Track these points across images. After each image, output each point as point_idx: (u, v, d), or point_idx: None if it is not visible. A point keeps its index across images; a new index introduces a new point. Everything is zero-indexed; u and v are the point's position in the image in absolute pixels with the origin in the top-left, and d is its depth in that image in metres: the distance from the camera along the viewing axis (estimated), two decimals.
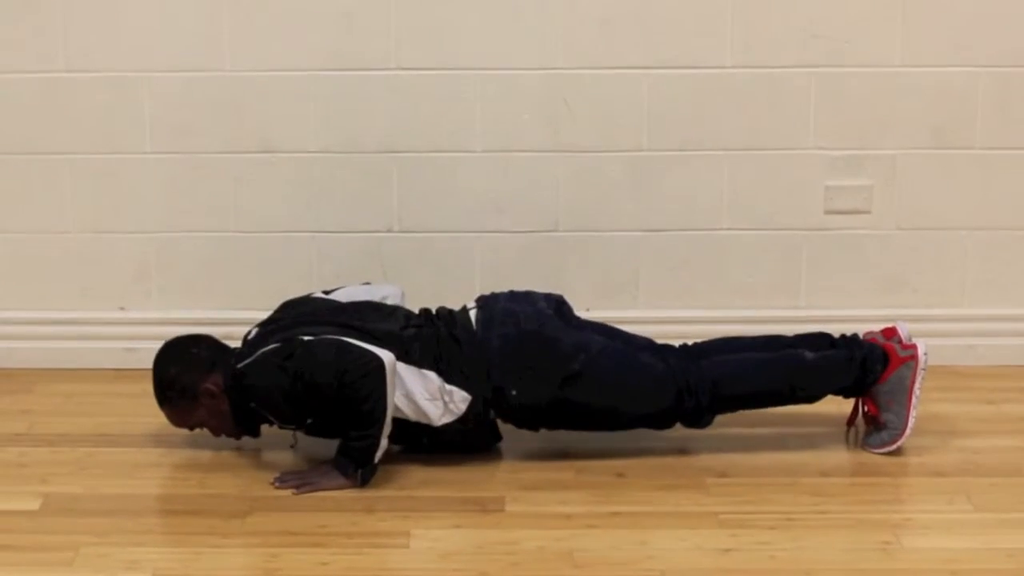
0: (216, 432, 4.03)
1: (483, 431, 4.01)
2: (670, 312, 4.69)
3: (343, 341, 3.82)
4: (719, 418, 4.06)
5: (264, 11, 4.54)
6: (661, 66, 4.57)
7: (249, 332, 4.08)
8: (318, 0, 4.53)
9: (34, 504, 3.77)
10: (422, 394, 3.88)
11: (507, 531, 3.63)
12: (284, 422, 3.95)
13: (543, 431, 4.06)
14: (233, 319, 4.61)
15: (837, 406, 4.18)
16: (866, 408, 4.10)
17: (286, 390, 3.83)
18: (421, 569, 3.48)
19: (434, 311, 4.11)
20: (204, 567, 3.46)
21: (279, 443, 4.08)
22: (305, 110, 4.60)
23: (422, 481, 3.90)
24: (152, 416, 4.08)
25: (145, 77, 4.59)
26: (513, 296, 4.10)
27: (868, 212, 4.68)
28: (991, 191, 4.67)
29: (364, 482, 3.83)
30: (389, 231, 4.67)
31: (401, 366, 3.86)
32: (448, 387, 3.89)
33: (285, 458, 4.01)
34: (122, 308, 4.76)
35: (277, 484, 3.86)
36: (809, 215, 4.68)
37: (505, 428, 4.05)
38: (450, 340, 3.96)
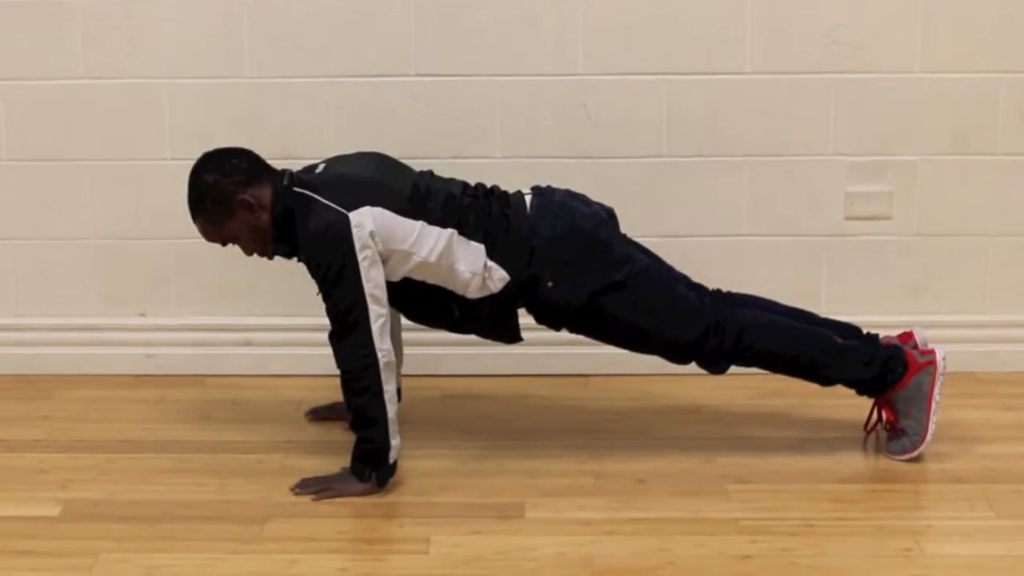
0: (248, 249, 3.98)
1: (510, 319, 3.98)
2: None
3: (366, 311, 3.76)
4: (738, 422, 4.05)
5: (284, 18, 4.55)
6: (681, 72, 4.57)
7: (316, 164, 3.99)
8: (338, 7, 4.54)
9: (54, 510, 3.78)
10: (466, 265, 3.86)
11: (527, 537, 3.62)
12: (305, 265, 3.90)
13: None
14: (253, 325, 4.63)
15: (855, 411, 4.17)
16: (884, 415, 4.08)
17: (314, 258, 3.80)
18: (440, 575, 3.48)
19: (489, 186, 4.07)
20: (223, 573, 3.47)
21: (298, 450, 4.09)
22: (325, 116, 4.61)
23: (441, 487, 3.90)
24: (172, 422, 4.09)
25: (165, 84, 4.60)
26: (571, 193, 4.07)
27: (889, 218, 4.67)
28: (1012, 197, 4.66)
29: (380, 485, 3.83)
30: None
31: (455, 235, 3.85)
32: (490, 264, 3.88)
33: (305, 464, 4.01)
34: (142, 314, 4.77)
35: (296, 490, 3.86)
36: (829, 221, 4.67)
37: (515, 435, 4.03)
38: (502, 217, 3.93)
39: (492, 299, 3.91)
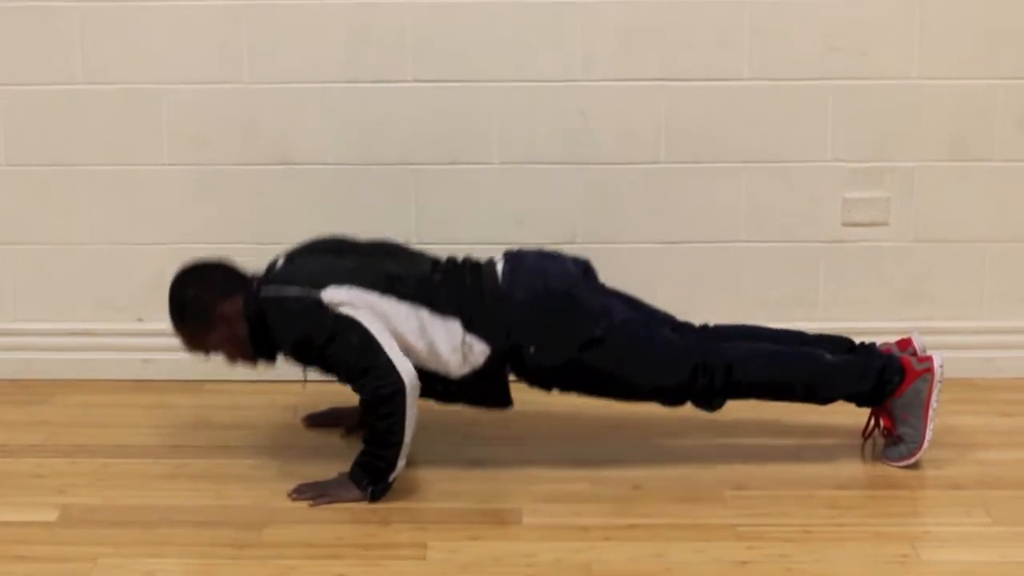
0: (232, 358, 4.00)
1: (498, 387, 3.99)
2: None
3: (376, 344, 3.77)
4: (736, 430, 4.05)
5: (282, 23, 4.55)
6: (679, 78, 4.57)
7: (276, 259, 4.01)
8: (336, 12, 4.54)
9: (51, 515, 3.78)
10: (444, 344, 3.86)
11: (524, 543, 3.62)
12: (297, 361, 3.93)
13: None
14: None
15: (853, 418, 4.17)
16: (882, 423, 4.09)
17: (302, 344, 3.82)
18: None
19: (460, 259, 4.08)
20: None
21: (295, 456, 4.09)
22: (322, 122, 4.61)
23: (439, 493, 3.90)
24: (169, 427, 4.09)
25: (163, 89, 4.60)
26: (542, 254, 4.08)
27: (886, 224, 4.68)
28: (1010, 203, 4.66)
29: (374, 498, 3.82)
30: (407, 243, 4.66)
31: (426, 314, 3.85)
32: (469, 338, 3.88)
33: (302, 469, 4.01)
34: (140, 319, 4.77)
35: (294, 496, 3.86)
36: (827, 227, 4.68)
37: (518, 439, 4.04)
38: (475, 291, 3.93)
39: (476, 373, 3.92)
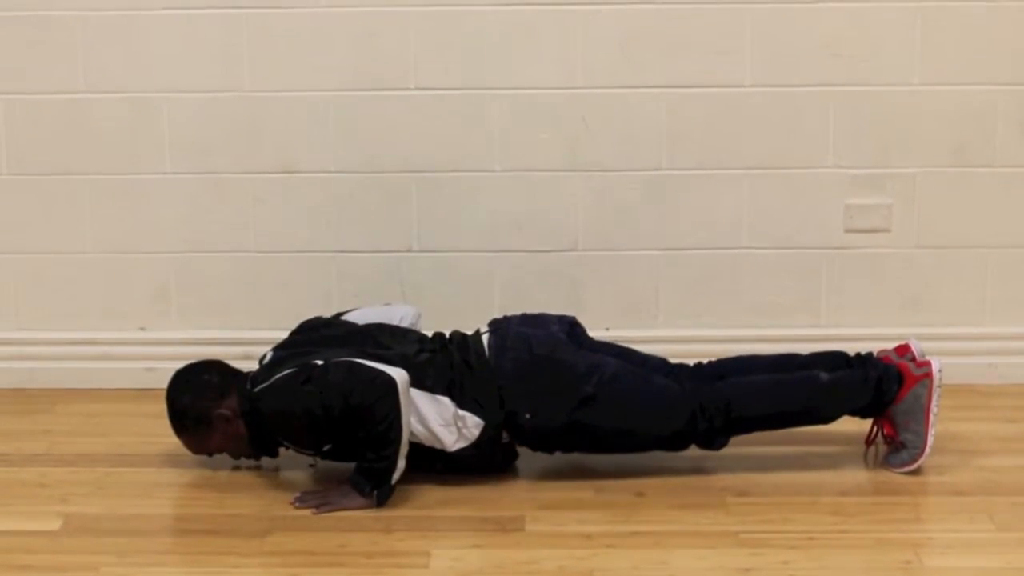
0: (235, 456, 4.06)
1: (497, 454, 4.01)
2: (690, 331, 4.68)
3: (354, 362, 3.83)
4: (739, 438, 4.05)
5: (283, 31, 4.56)
6: (680, 85, 4.58)
7: (264, 355, 4.08)
8: (337, 20, 4.55)
9: (54, 524, 3.78)
10: (436, 420, 3.88)
11: (527, 550, 3.62)
12: (300, 447, 3.95)
13: (558, 454, 4.06)
14: (253, 339, 4.63)
15: (856, 425, 4.17)
16: (884, 430, 4.09)
17: (301, 415, 3.84)
18: None
19: (447, 335, 4.11)
20: None
21: (298, 463, 4.09)
22: (325, 130, 4.61)
23: (441, 501, 3.90)
24: (171, 436, 4.08)
25: (165, 97, 4.61)
26: (525, 319, 4.10)
27: (888, 231, 4.68)
28: (1011, 209, 4.66)
29: (380, 503, 3.83)
30: (409, 251, 4.68)
31: (415, 392, 3.87)
32: (461, 413, 3.89)
33: (304, 477, 4.01)
34: (142, 328, 4.77)
35: (296, 504, 3.86)
36: (829, 234, 4.68)
37: (521, 449, 4.04)
38: (463, 366, 3.96)
39: (473, 445, 3.93)
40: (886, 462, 4.07)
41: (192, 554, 3.64)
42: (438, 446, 3.91)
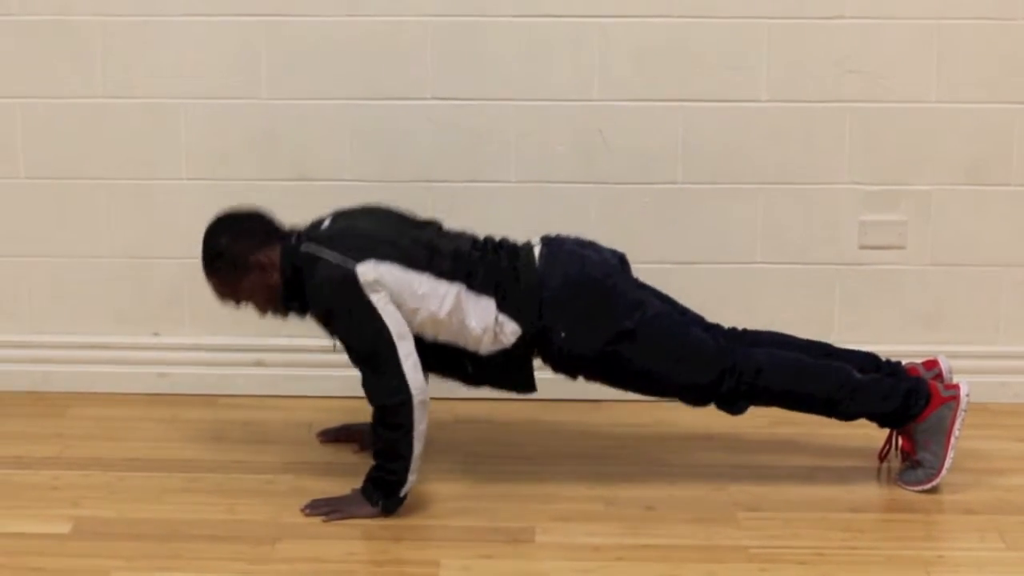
0: (262, 308, 3.99)
1: (524, 370, 3.98)
2: None
3: (392, 348, 3.75)
4: (750, 449, 4.05)
5: (300, 40, 4.57)
6: (696, 99, 4.58)
7: (323, 218, 4.00)
8: (354, 29, 4.55)
9: (65, 527, 3.79)
10: (476, 321, 3.86)
11: (537, 562, 3.62)
12: (322, 326, 3.92)
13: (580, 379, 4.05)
14: (265, 345, 4.64)
15: (868, 440, 4.17)
16: (902, 445, 4.07)
17: (324, 313, 3.83)
18: None
19: (498, 240, 4.07)
20: None
21: (309, 471, 4.09)
22: (341, 139, 4.62)
23: (452, 510, 3.90)
24: (183, 441, 4.09)
25: (182, 104, 4.62)
26: (580, 241, 4.06)
27: (903, 248, 4.67)
28: None
29: (387, 512, 3.83)
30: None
31: (463, 290, 3.85)
32: (501, 317, 3.87)
33: (315, 485, 4.01)
34: (156, 333, 4.78)
35: (307, 511, 3.86)
36: (843, 250, 4.67)
37: (531, 462, 4.04)
38: (511, 270, 3.92)
39: (504, 353, 3.91)
40: (900, 479, 4.05)
41: (201, 559, 3.64)
42: (472, 347, 3.89)
